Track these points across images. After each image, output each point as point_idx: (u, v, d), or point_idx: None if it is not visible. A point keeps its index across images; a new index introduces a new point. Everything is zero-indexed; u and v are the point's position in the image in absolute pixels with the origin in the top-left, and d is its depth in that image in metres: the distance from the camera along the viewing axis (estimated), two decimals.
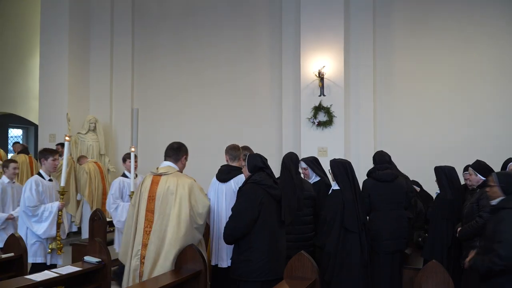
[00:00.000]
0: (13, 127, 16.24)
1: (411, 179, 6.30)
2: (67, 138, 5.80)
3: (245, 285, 4.19)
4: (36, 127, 13.04)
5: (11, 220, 6.09)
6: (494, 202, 3.97)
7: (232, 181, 4.96)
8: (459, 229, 4.90)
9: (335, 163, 5.04)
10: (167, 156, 4.47)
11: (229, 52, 10.08)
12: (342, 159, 5.23)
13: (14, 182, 6.37)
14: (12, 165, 6.35)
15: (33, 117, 13.10)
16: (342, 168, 4.95)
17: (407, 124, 8.53)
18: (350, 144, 8.61)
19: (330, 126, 8.46)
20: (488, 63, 8.07)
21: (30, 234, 5.46)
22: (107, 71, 10.98)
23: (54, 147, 9.80)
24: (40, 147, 10.64)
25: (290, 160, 4.99)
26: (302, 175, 5.57)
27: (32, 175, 9.70)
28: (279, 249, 4.32)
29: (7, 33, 13.75)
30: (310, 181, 5.65)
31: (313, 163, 5.77)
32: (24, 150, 10.02)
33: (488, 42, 8.06)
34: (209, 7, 10.33)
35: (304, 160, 5.84)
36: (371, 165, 8.32)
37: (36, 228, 5.42)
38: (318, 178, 5.67)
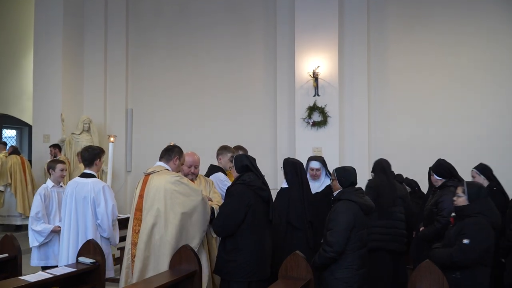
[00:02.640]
0: (7, 128, 16.16)
1: (408, 178, 6.38)
2: (111, 139, 5.65)
3: (233, 284, 4.22)
4: (30, 127, 12.97)
5: (57, 232, 5.26)
6: (335, 194, 4.32)
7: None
8: (421, 228, 4.93)
9: (286, 162, 5.09)
10: (160, 157, 4.51)
11: (223, 52, 10.07)
12: (294, 159, 5.28)
13: (61, 186, 5.60)
14: (59, 166, 5.57)
15: (27, 118, 13.02)
16: (292, 167, 5.01)
17: (401, 124, 8.55)
18: (344, 144, 8.62)
19: (324, 126, 8.47)
20: (482, 61, 8.10)
21: (105, 246, 4.85)
22: (101, 71, 10.92)
23: (48, 148, 9.83)
24: (34, 148, 10.63)
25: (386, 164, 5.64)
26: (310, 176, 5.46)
27: (25, 176, 9.67)
28: (265, 250, 4.35)
29: (0, 32, 13.67)
30: (320, 182, 5.53)
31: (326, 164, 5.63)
32: (15, 151, 9.98)
33: (483, 40, 8.09)
34: (203, 8, 10.31)
35: (316, 159, 5.64)
36: (366, 165, 8.38)
37: (117, 238, 5.00)
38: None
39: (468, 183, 4.07)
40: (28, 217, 9.40)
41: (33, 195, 9.62)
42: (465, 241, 3.70)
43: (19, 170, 9.55)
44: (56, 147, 9.58)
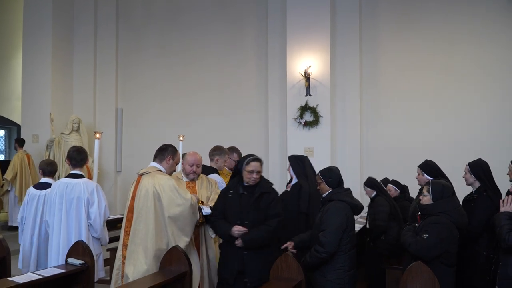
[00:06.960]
0: None
1: (399, 180, 6.36)
2: (97, 135, 5.55)
3: None
4: (19, 127, 12.84)
5: None
6: (324, 195, 4.29)
7: None
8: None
9: (290, 157, 5.33)
10: (154, 157, 4.47)
11: (215, 52, 10.03)
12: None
13: None
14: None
15: (16, 118, 12.91)
16: (295, 160, 5.26)
17: (393, 124, 8.56)
18: (336, 144, 8.62)
19: (316, 126, 8.46)
20: (473, 62, 8.11)
21: (96, 246, 4.88)
22: (90, 71, 10.84)
23: (38, 148, 9.74)
24: (23, 148, 10.49)
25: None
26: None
27: None
28: None
29: None
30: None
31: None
32: None
33: (474, 42, 8.11)
34: (194, 8, 10.27)
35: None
36: (357, 165, 8.38)
37: (107, 237, 4.98)
38: None
39: (433, 182, 4.10)
40: None
41: None
42: (424, 235, 3.78)
43: None
44: (16, 141, 10.02)
